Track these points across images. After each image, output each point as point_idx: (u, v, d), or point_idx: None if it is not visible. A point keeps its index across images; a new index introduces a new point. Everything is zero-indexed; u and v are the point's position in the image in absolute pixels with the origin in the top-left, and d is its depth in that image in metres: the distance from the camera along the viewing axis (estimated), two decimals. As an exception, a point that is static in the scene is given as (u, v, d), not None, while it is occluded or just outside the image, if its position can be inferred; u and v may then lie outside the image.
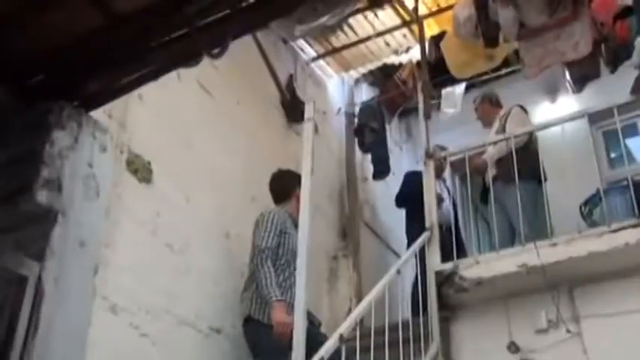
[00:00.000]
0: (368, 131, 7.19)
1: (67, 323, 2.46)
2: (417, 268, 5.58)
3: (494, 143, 5.72)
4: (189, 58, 2.66)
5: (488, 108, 6.45)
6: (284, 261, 4.60)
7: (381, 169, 7.11)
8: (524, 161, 5.39)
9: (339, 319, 5.55)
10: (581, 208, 5.33)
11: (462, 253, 5.41)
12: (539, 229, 5.18)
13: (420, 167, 5.92)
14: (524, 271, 4.75)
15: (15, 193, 2.52)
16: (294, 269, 4.36)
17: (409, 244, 6.47)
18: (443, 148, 6.02)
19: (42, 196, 2.50)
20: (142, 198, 4.37)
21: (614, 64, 5.76)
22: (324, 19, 2.47)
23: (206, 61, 2.70)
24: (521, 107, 6.19)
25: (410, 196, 6.59)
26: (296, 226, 4.55)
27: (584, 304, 4.69)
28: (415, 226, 6.47)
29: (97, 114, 2.93)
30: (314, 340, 3.80)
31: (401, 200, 6.73)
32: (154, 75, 2.75)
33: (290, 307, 4.24)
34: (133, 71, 2.73)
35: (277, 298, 4.35)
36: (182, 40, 2.60)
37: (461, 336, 5.03)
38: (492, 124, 6.29)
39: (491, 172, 5.75)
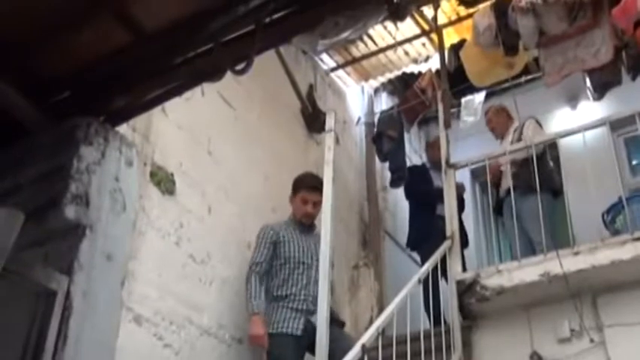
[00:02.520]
0: (386, 139, 7.20)
1: (95, 336, 2.49)
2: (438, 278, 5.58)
3: (515, 151, 5.69)
4: (213, 74, 2.70)
5: (504, 120, 6.46)
6: (281, 262, 4.71)
7: (399, 177, 7.12)
8: (539, 172, 5.37)
9: (361, 328, 5.57)
10: (603, 216, 5.30)
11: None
12: (556, 241, 5.15)
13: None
14: (547, 280, 4.72)
15: (44, 208, 2.56)
16: (295, 266, 4.65)
17: (410, 238, 6.55)
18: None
19: (70, 211, 2.54)
20: (165, 209, 4.41)
21: (636, 71, 5.71)
22: (346, 34, 2.49)
23: (228, 74, 2.74)
24: (536, 120, 6.20)
25: (410, 189, 6.70)
26: (301, 225, 4.81)
27: (608, 313, 4.65)
28: (414, 220, 6.57)
29: (121, 127, 2.98)
30: (335, 344, 3.86)
31: (407, 193, 6.95)
32: (179, 90, 2.79)
33: (295, 300, 4.55)
34: (158, 87, 2.77)
35: (253, 312, 4.50)
36: (206, 56, 2.64)
37: (483, 346, 5.01)
38: (505, 136, 6.30)
39: (505, 184, 5.75)
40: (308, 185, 4.79)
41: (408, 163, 7.34)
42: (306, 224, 4.85)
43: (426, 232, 6.27)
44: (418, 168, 7.17)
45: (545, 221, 5.31)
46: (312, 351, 3.34)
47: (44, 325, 2.37)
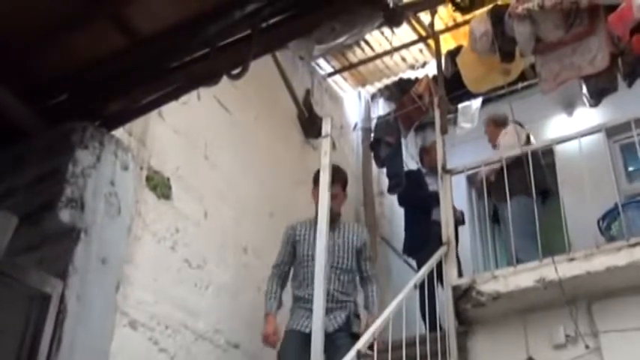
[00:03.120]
0: (383, 145, 7.21)
1: (89, 340, 2.48)
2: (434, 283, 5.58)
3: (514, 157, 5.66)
4: (209, 79, 2.70)
5: (492, 130, 6.48)
6: (298, 262, 4.63)
7: (397, 183, 7.13)
8: (517, 177, 5.36)
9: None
10: (599, 222, 5.30)
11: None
12: (554, 239, 5.16)
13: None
14: (542, 285, 4.73)
15: (38, 212, 2.56)
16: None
17: (406, 244, 6.54)
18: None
19: (65, 215, 2.54)
20: (161, 214, 4.42)
21: (632, 78, 5.72)
22: (342, 39, 2.49)
23: (224, 78, 2.74)
24: (518, 123, 6.19)
25: (405, 195, 6.71)
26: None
27: (603, 319, 4.65)
28: (409, 226, 6.61)
29: (117, 131, 2.98)
30: (331, 345, 3.85)
31: (400, 200, 6.95)
32: (175, 95, 2.79)
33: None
34: (154, 91, 2.77)
35: (266, 312, 4.49)
36: (202, 60, 2.64)
37: (478, 351, 5.01)
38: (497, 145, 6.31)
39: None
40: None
41: (406, 168, 7.35)
42: None
43: (421, 238, 6.27)
44: (413, 173, 7.17)
45: (524, 227, 5.28)
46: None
47: (38, 328, 2.36)
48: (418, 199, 6.61)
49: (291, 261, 4.65)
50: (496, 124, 6.47)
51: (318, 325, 3.29)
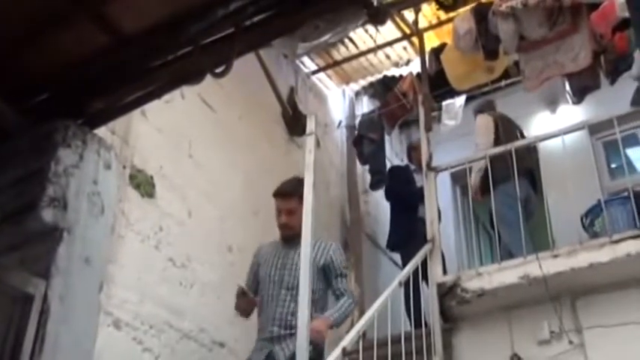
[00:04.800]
0: (367, 142, 7.23)
1: (73, 341, 2.46)
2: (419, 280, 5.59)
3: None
4: (193, 77, 2.68)
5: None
6: (259, 289, 4.19)
7: (379, 179, 7.15)
8: (500, 165, 5.38)
9: (342, 331, 5.56)
10: (582, 219, 5.34)
11: None
12: (538, 236, 5.18)
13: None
14: (526, 282, 4.77)
15: (21, 212, 2.53)
16: (267, 287, 4.05)
17: (390, 239, 6.54)
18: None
19: (47, 214, 2.51)
20: (145, 213, 4.40)
21: (614, 76, 5.78)
22: (326, 37, 2.49)
23: (208, 76, 2.73)
24: (483, 112, 6.19)
25: (391, 190, 6.69)
26: (283, 239, 4.20)
27: (587, 315, 4.70)
28: (395, 221, 6.60)
29: (100, 130, 2.95)
30: None
31: (387, 194, 6.94)
32: (158, 93, 2.77)
33: (265, 329, 3.98)
34: (137, 90, 2.74)
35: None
36: (185, 59, 2.62)
37: (463, 348, 5.04)
38: None
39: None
40: (275, 193, 4.24)
41: (388, 166, 7.37)
42: (285, 237, 4.20)
43: (406, 234, 6.28)
44: (400, 169, 7.19)
45: (509, 211, 5.28)
46: None
47: (21, 329, 2.33)
48: (405, 194, 6.61)
49: (256, 287, 4.18)
50: (475, 114, 6.45)
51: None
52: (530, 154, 5.81)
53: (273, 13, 2.52)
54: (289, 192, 4.08)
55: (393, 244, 6.64)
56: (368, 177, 7.34)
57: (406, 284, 4.83)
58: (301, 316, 3.09)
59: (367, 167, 7.33)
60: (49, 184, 2.55)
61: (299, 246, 3.80)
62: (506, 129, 5.92)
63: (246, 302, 4.04)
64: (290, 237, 4.09)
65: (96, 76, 2.67)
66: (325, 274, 4.12)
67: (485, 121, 6.00)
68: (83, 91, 2.72)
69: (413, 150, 6.99)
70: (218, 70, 2.57)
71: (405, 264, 5.40)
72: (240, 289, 3.98)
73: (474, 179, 5.66)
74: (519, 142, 5.63)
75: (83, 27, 2.49)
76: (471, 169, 5.72)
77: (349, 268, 6.57)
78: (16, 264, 2.46)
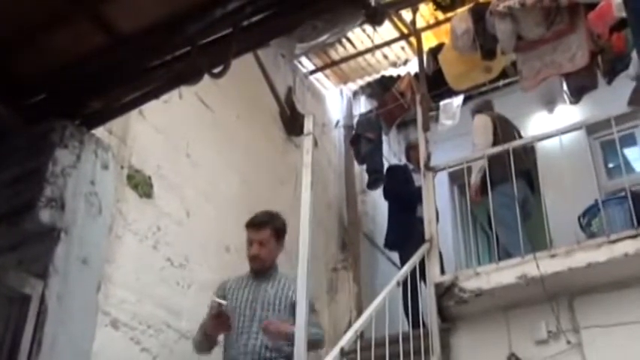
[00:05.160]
0: (364, 141, 7.23)
1: (71, 341, 2.46)
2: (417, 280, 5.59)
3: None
4: (191, 77, 2.69)
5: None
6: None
7: (376, 179, 7.15)
8: (498, 167, 5.39)
9: (340, 331, 5.57)
10: (579, 219, 5.35)
11: None
12: (536, 236, 5.18)
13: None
14: (524, 282, 4.77)
15: (18, 212, 2.53)
16: (235, 323, 3.77)
17: (388, 238, 6.53)
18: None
19: (45, 215, 2.52)
20: (143, 213, 4.39)
21: (611, 76, 5.79)
22: (323, 38, 2.49)
23: (206, 76, 2.73)
24: (478, 111, 6.20)
25: (390, 190, 6.72)
26: (254, 272, 3.97)
27: (584, 315, 4.70)
28: (393, 220, 6.59)
29: (98, 130, 2.95)
30: None
31: (385, 194, 6.92)
32: (155, 93, 2.77)
33: (244, 355, 3.73)
34: (135, 90, 2.75)
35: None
36: (183, 59, 2.62)
37: (461, 348, 5.04)
38: None
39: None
40: (248, 223, 4.02)
41: (386, 165, 7.36)
42: (256, 270, 3.98)
43: (405, 233, 6.28)
44: (399, 168, 7.18)
45: (507, 211, 5.29)
46: None
47: (18, 330, 2.34)
48: (404, 193, 6.60)
49: None
50: (473, 114, 6.45)
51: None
52: (527, 154, 5.81)
53: (271, 13, 2.53)
54: (263, 222, 3.94)
55: (391, 243, 6.63)
56: (365, 177, 7.34)
57: (404, 284, 4.82)
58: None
59: (364, 167, 7.33)
60: (46, 185, 2.55)
61: (271, 279, 3.92)
62: (503, 129, 5.93)
63: (220, 325, 3.70)
64: (260, 270, 3.95)
65: (93, 76, 2.67)
66: (294, 311, 3.56)
67: (483, 121, 6.01)
68: (81, 91, 2.73)
69: (411, 149, 6.98)
70: (216, 71, 2.58)
71: (403, 263, 5.40)
72: (217, 307, 3.61)
73: (474, 179, 5.66)
74: (516, 142, 5.63)
75: (81, 27, 2.49)
76: (469, 168, 5.71)
77: (347, 268, 6.60)
78: (13, 264, 2.46)
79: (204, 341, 3.90)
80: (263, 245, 3.90)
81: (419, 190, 5.89)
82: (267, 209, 4.11)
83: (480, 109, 6.34)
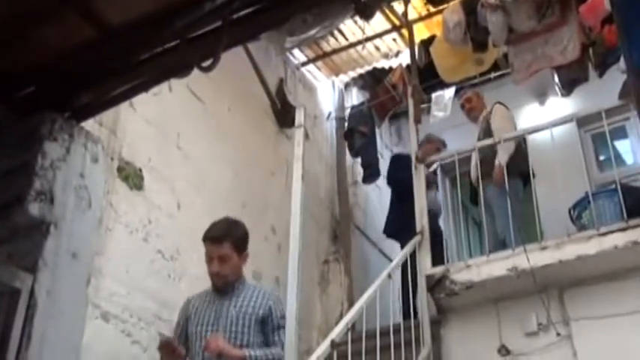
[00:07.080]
0: (358, 135, 7.22)
1: (60, 335, 2.47)
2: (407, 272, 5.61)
3: (491, 146, 5.64)
4: (180, 70, 2.68)
5: (482, 105, 6.36)
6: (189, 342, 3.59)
7: (371, 173, 7.15)
8: (514, 161, 5.43)
9: (331, 323, 5.59)
10: (570, 211, 5.36)
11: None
12: (527, 228, 5.20)
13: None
14: (515, 274, 4.78)
15: (7, 206, 2.53)
16: (194, 343, 3.52)
17: (389, 225, 6.54)
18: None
19: (34, 208, 2.51)
20: (133, 205, 4.38)
21: (603, 68, 5.81)
22: (313, 32, 2.49)
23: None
24: (503, 104, 6.20)
25: (393, 177, 6.72)
26: (217, 289, 3.65)
27: (574, 307, 4.72)
28: (395, 208, 6.58)
29: (88, 122, 2.95)
30: None
31: (389, 182, 6.89)
32: (145, 86, 2.77)
33: None
34: (124, 83, 2.74)
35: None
36: (173, 52, 2.61)
37: (452, 339, 5.06)
38: (478, 121, 6.24)
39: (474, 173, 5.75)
40: (204, 237, 3.68)
41: (380, 159, 7.36)
42: (218, 287, 3.62)
43: (404, 222, 6.26)
44: (402, 156, 7.11)
45: (517, 207, 5.32)
46: None
47: (8, 324, 2.34)
48: (406, 180, 6.56)
49: (185, 344, 3.55)
50: (479, 97, 6.42)
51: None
52: (527, 159, 5.85)
53: (261, 7, 2.52)
54: (220, 236, 3.58)
55: (389, 231, 6.60)
56: (357, 169, 7.34)
57: (403, 274, 4.84)
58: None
59: (358, 160, 7.33)
60: (35, 178, 2.55)
61: (234, 295, 3.58)
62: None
63: (169, 355, 3.41)
64: (223, 287, 3.61)
65: (83, 69, 2.66)
66: (262, 327, 3.56)
67: (506, 111, 6.07)
68: (70, 85, 2.72)
69: (425, 144, 6.87)
70: (205, 64, 2.57)
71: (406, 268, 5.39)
72: (165, 341, 3.45)
73: (503, 160, 5.53)
74: (508, 135, 5.63)
75: (70, 20, 2.48)
76: (460, 161, 5.69)
77: (338, 260, 6.60)
78: (3, 258, 2.46)
79: None
80: (224, 261, 3.56)
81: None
82: (225, 217, 3.83)
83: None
